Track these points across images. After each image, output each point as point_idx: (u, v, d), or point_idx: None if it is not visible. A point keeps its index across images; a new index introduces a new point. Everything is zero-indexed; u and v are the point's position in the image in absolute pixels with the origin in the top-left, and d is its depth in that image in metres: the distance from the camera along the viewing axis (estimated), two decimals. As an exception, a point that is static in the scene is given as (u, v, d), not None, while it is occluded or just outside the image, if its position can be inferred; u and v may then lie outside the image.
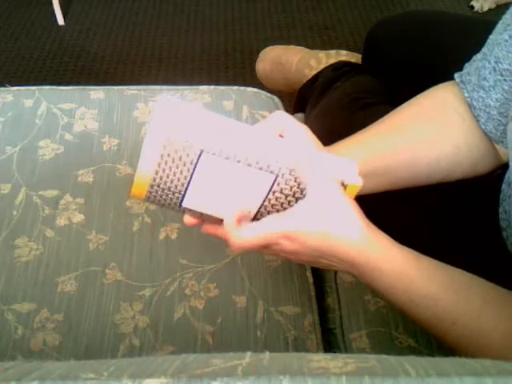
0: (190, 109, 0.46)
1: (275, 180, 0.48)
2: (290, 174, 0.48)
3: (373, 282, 0.50)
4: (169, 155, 0.46)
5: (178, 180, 0.48)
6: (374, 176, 0.60)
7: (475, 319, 0.47)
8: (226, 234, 0.50)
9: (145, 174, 0.48)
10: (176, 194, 0.50)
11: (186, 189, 0.49)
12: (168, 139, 0.45)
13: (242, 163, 0.47)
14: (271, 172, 0.48)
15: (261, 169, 0.47)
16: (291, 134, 0.51)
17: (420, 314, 0.49)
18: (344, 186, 0.49)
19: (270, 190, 0.49)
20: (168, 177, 0.48)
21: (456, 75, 0.63)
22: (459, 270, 0.50)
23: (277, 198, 0.50)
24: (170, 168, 0.47)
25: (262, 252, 0.54)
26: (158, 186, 0.49)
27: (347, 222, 0.47)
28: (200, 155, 0.46)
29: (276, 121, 0.51)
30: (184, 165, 0.47)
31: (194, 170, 0.48)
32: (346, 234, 0.47)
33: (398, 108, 0.64)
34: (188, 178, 0.48)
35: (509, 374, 0.27)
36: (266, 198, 0.50)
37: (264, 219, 0.49)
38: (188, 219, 0.54)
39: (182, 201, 0.50)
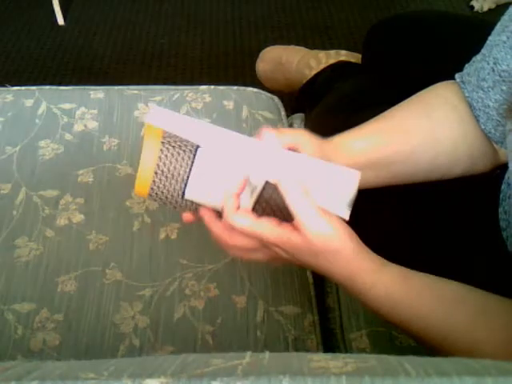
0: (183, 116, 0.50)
1: (262, 188, 0.50)
2: (265, 189, 0.50)
3: (360, 298, 0.51)
4: (168, 147, 0.49)
5: (179, 172, 0.50)
6: (374, 167, 0.60)
7: (466, 333, 0.47)
8: (226, 215, 0.50)
9: (148, 164, 0.50)
10: (178, 185, 0.51)
11: (187, 180, 0.51)
12: (166, 131, 0.49)
13: (238, 157, 0.49)
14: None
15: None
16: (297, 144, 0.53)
17: (410, 330, 0.50)
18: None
19: (259, 194, 0.50)
20: (169, 169, 0.50)
21: (457, 75, 0.63)
22: (450, 283, 0.51)
23: (263, 208, 0.51)
24: (169, 158, 0.49)
25: (250, 253, 0.54)
26: (161, 178, 0.50)
27: (337, 243, 0.48)
28: (197, 149, 0.49)
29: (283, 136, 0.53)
30: (183, 157, 0.49)
31: (192, 162, 0.50)
32: (337, 254, 0.48)
33: (399, 104, 0.64)
34: (188, 170, 0.50)
35: (509, 373, 0.27)
36: (258, 199, 0.51)
37: (258, 219, 0.50)
38: (186, 215, 0.54)
39: (183, 192, 0.51)
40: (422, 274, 0.51)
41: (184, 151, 0.50)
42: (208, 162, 0.50)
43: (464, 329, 0.47)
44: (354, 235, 0.49)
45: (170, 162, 0.50)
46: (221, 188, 0.51)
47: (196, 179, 0.50)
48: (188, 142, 0.50)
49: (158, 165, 0.50)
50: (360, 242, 0.50)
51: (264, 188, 0.50)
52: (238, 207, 0.50)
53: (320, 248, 0.48)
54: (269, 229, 0.49)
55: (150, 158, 0.50)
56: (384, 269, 0.50)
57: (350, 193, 0.50)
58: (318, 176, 0.50)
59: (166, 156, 0.50)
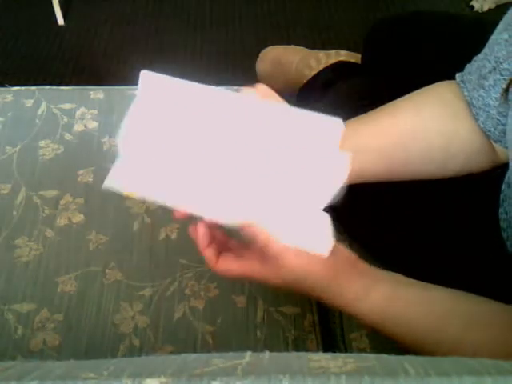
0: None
1: None
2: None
3: (351, 316, 0.53)
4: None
5: None
6: (370, 155, 0.61)
7: (456, 345, 0.47)
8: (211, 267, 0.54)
9: None
10: None
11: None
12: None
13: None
14: None
15: None
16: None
17: (399, 341, 0.51)
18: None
19: None
20: None
21: (457, 75, 0.63)
22: (439, 296, 0.51)
23: None
24: None
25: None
26: None
27: (313, 273, 0.50)
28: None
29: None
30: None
31: None
32: (318, 284, 0.50)
33: (396, 100, 0.65)
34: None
35: (508, 373, 0.27)
36: None
37: (238, 260, 0.52)
38: (178, 213, 0.54)
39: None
40: (410, 288, 0.52)
41: None
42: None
43: (452, 344, 0.47)
44: (332, 266, 0.50)
45: None
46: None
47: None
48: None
49: None
50: (340, 270, 0.51)
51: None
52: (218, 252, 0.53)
53: (296, 281, 0.50)
54: (250, 269, 0.51)
55: None
56: (367, 296, 0.51)
57: (335, 143, 0.48)
58: (300, 126, 0.48)
59: None
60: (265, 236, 0.48)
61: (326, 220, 0.50)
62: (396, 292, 0.51)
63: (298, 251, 0.48)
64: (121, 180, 0.51)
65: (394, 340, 0.51)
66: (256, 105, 0.48)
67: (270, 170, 0.48)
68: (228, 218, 0.50)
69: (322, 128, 0.48)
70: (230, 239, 0.55)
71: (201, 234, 0.52)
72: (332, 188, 0.49)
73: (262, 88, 0.54)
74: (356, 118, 0.64)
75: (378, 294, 0.50)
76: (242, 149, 0.48)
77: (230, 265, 0.52)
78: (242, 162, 0.48)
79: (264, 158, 0.48)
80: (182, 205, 0.50)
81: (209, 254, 0.53)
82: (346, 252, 0.52)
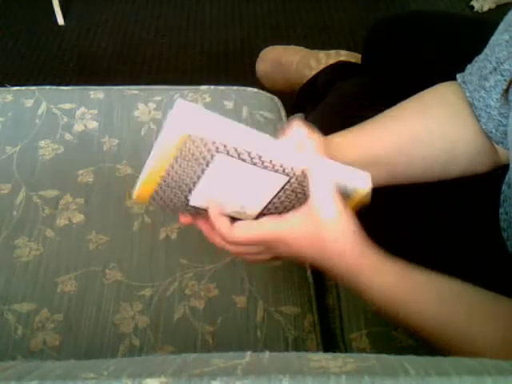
0: (207, 112, 0.45)
1: (287, 182, 0.49)
2: (298, 179, 0.48)
3: (360, 291, 0.51)
4: (183, 151, 0.45)
5: (188, 177, 0.48)
6: (374, 164, 0.60)
7: (463, 328, 0.47)
8: (224, 235, 0.51)
9: (157, 168, 0.47)
10: (184, 192, 0.50)
11: (194, 186, 0.49)
12: (185, 135, 0.44)
13: (254, 164, 0.47)
14: (286, 174, 0.48)
15: (275, 171, 0.48)
16: (305, 144, 0.52)
17: (408, 325, 0.51)
18: (348, 195, 0.50)
19: (278, 192, 0.50)
20: (178, 173, 0.47)
21: (458, 75, 0.63)
22: (448, 279, 0.51)
23: (281, 201, 0.51)
24: (181, 164, 0.47)
25: (255, 255, 0.54)
26: (165, 189, 0.49)
27: (343, 232, 0.48)
28: (214, 155, 0.46)
29: (293, 133, 0.52)
30: (197, 162, 0.47)
31: (206, 167, 0.47)
32: (340, 244, 0.48)
33: (400, 102, 0.64)
34: (199, 176, 0.48)
35: (508, 373, 0.27)
36: (272, 199, 0.50)
37: (257, 221, 0.50)
38: (184, 218, 0.54)
39: (188, 198, 0.51)
40: (420, 270, 0.51)
41: (198, 164, 0.47)
42: (221, 169, 0.47)
43: (461, 324, 0.48)
44: (359, 230, 0.49)
45: (179, 175, 0.47)
46: (228, 194, 0.50)
47: (203, 187, 0.49)
48: (205, 154, 0.46)
49: (163, 177, 0.47)
50: (363, 236, 0.50)
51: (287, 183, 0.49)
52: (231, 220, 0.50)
53: (324, 235, 0.48)
54: (270, 227, 0.49)
55: (157, 169, 0.47)
56: (385, 265, 0.50)
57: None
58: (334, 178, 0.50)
59: (176, 169, 0.47)
60: (315, 180, 0.47)
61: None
62: (407, 271, 0.51)
63: (339, 208, 0.48)
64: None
65: (398, 321, 0.51)
66: (288, 159, 0.48)
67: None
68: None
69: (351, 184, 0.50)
70: None
71: (211, 208, 0.50)
72: None
73: (297, 131, 0.52)
74: (359, 125, 0.63)
75: (390, 269, 0.50)
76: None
77: (248, 229, 0.50)
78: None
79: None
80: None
81: (221, 221, 0.50)
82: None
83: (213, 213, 0.51)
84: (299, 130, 0.52)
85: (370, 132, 0.63)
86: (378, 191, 0.67)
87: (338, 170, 0.51)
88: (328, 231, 0.48)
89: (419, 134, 0.61)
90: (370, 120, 0.63)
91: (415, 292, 0.50)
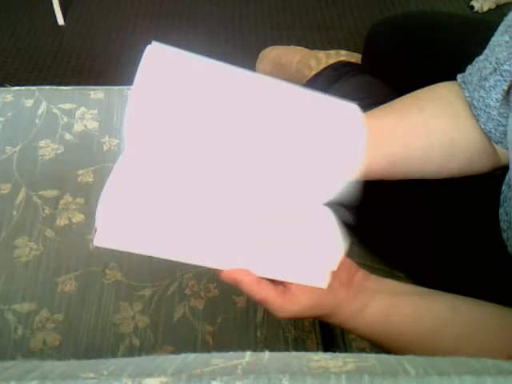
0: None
1: None
2: None
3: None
4: None
5: None
6: (372, 153, 0.60)
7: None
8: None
9: None
10: None
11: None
12: None
13: None
14: None
15: None
16: None
17: (396, 353, 0.51)
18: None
19: None
20: None
21: (458, 76, 0.63)
22: (435, 308, 0.52)
23: None
24: None
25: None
26: None
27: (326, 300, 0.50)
28: None
29: None
30: None
31: None
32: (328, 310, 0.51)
33: (396, 99, 0.64)
34: None
35: (509, 373, 0.27)
36: None
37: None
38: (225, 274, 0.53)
39: None
40: (407, 299, 0.52)
41: None
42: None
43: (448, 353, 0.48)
44: (318, 298, 0.50)
45: None
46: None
47: None
48: None
49: None
50: (340, 295, 0.51)
51: None
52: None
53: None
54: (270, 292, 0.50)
55: None
56: (363, 313, 0.51)
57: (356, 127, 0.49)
58: (318, 110, 0.48)
59: None
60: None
61: (329, 242, 0.49)
62: (392, 307, 0.52)
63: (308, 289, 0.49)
64: (113, 236, 0.45)
65: (391, 352, 0.52)
66: (273, 87, 0.47)
67: (279, 161, 0.48)
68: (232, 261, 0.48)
69: (340, 113, 0.48)
70: None
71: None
72: (342, 179, 0.49)
73: None
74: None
75: (373, 310, 0.51)
76: (254, 142, 0.47)
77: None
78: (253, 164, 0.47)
79: (276, 144, 0.47)
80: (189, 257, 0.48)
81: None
82: (346, 264, 0.52)
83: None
84: None
85: (370, 122, 0.62)
86: (378, 191, 0.67)
87: (325, 101, 0.49)
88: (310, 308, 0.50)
89: (417, 127, 0.61)
90: (370, 111, 0.63)
91: (398, 334, 0.51)
